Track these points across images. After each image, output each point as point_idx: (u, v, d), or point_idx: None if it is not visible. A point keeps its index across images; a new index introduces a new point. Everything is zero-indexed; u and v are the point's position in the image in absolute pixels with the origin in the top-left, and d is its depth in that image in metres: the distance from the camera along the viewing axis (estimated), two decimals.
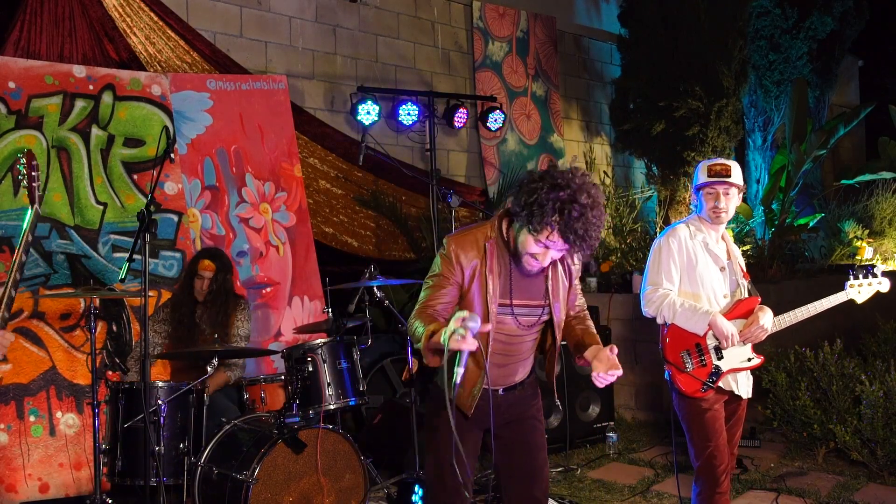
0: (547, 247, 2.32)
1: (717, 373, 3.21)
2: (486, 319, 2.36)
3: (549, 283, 2.52)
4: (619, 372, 2.39)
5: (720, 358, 3.22)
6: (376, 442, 4.72)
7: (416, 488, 4.00)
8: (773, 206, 8.32)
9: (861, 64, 13.11)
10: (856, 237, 9.38)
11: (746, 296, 3.34)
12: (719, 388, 3.23)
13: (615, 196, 7.59)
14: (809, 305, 3.40)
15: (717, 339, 3.21)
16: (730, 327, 3.18)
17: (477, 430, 2.60)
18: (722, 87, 7.37)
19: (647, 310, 3.28)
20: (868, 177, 9.27)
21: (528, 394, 2.66)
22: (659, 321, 3.28)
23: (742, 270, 3.40)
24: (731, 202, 3.31)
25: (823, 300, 3.44)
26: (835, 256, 9.11)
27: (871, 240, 9.56)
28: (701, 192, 3.34)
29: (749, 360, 3.27)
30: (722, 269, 3.32)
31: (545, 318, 2.54)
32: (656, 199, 8.06)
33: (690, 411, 3.22)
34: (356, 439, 3.93)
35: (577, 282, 2.66)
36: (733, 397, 3.28)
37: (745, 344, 3.24)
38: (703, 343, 3.22)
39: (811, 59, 9.49)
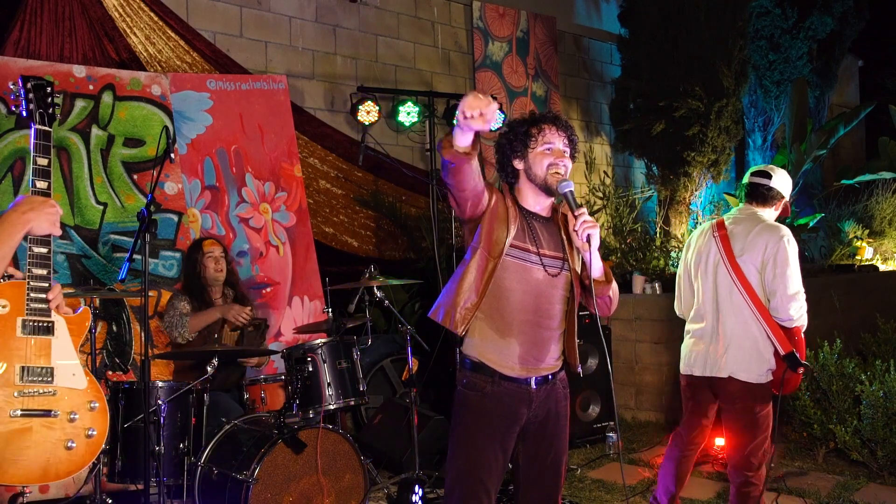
0: (550, 148, 2.54)
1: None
2: (497, 254, 2.49)
3: (563, 234, 2.59)
4: (591, 226, 2.41)
5: None
6: (376, 442, 4.72)
7: (416, 488, 4.00)
8: None
9: (861, 64, 13.12)
10: (856, 237, 9.39)
11: None
12: None
13: (615, 196, 7.59)
14: None
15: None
16: None
17: (511, 432, 2.55)
18: (722, 87, 7.37)
19: (799, 314, 3.28)
20: (868, 177, 9.28)
21: (560, 392, 2.64)
22: (797, 324, 3.30)
23: None
24: None
25: None
26: (835, 256, 9.11)
27: (871, 240, 9.56)
28: (784, 203, 3.52)
29: None
30: None
31: (566, 271, 2.58)
32: (656, 199, 8.06)
33: (775, 409, 3.37)
34: (356, 439, 3.93)
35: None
36: None
37: None
38: None
39: (811, 59, 9.50)
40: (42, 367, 2.20)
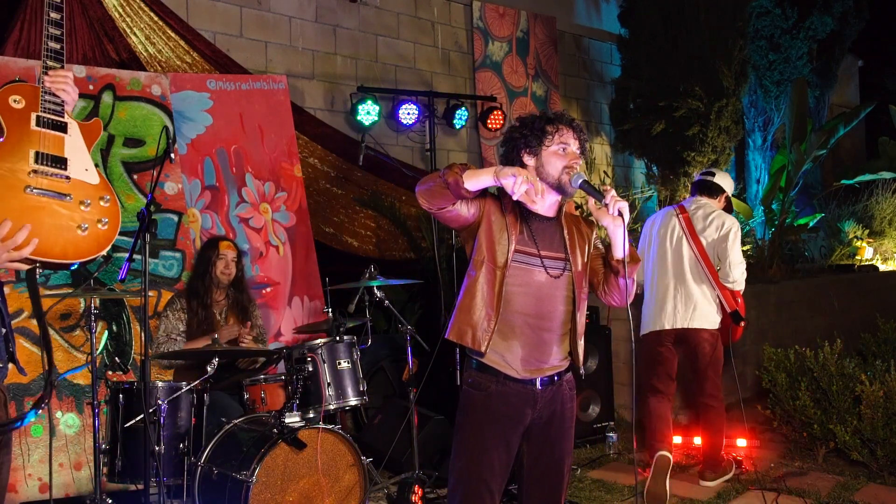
0: (566, 149, 2.55)
1: None
2: (504, 263, 2.50)
3: (566, 234, 2.59)
4: (621, 200, 2.48)
5: None
6: (376, 442, 4.72)
7: (416, 488, 4.00)
8: (773, 206, 8.33)
9: (861, 64, 13.12)
10: (856, 237, 9.40)
11: None
12: None
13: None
14: None
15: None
16: None
17: (515, 432, 2.55)
18: (722, 87, 7.37)
19: (741, 277, 4.29)
20: (868, 177, 9.28)
21: (565, 394, 2.63)
22: (738, 287, 4.33)
23: None
24: None
25: None
26: (835, 256, 9.12)
27: (871, 240, 9.58)
28: (726, 198, 4.56)
29: None
30: None
31: (568, 272, 2.58)
32: (656, 199, 8.06)
33: (727, 356, 4.48)
34: (356, 439, 3.93)
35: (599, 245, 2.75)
36: None
37: None
38: None
39: (811, 59, 9.50)
40: (55, 155, 2.21)
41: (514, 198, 2.36)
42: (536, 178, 2.36)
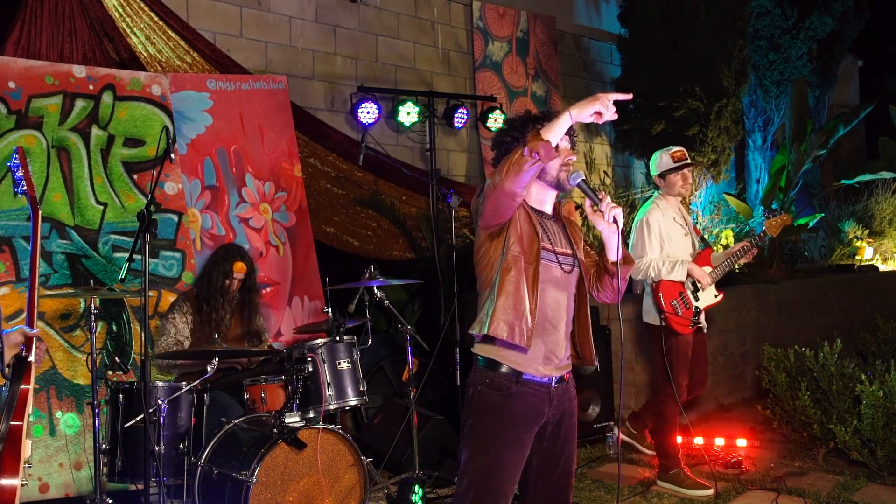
0: (557, 145, 2.51)
1: (698, 312, 4.40)
2: (534, 259, 2.51)
3: (568, 230, 2.66)
4: (616, 207, 2.54)
5: (697, 299, 4.40)
6: (376, 442, 4.73)
7: (416, 488, 4.00)
8: (773, 206, 8.33)
9: (861, 64, 13.12)
10: (856, 237, 9.40)
11: (700, 250, 4.54)
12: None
13: (615, 196, 7.59)
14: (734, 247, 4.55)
15: (693, 284, 4.39)
16: (702, 271, 4.38)
17: (531, 433, 2.55)
18: (722, 87, 7.38)
19: (648, 272, 4.33)
20: (868, 177, 9.30)
21: (571, 391, 2.66)
22: (648, 282, 4.41)
23: (695, 230, 4.68)
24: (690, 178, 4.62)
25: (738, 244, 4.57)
26: (835, 256, 9.13)
27: (871, 240, 9.58)
28: (666, 176, 4.54)
29: (716, 296, 4.50)
30: (686, 234, 4.49)
31: (577, 267, 2.64)
32: None
33: (679, 347, 4.38)
34: (356, 439, 3.93)
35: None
36: (698, 331, 4.47)
37: (712, 284, 4.45)
38: (683, 291, 4.37)
39: (811, 59, 9.50)
40: None
41: (608, 116, 2.38)
42: (606, 98, 2.37)
